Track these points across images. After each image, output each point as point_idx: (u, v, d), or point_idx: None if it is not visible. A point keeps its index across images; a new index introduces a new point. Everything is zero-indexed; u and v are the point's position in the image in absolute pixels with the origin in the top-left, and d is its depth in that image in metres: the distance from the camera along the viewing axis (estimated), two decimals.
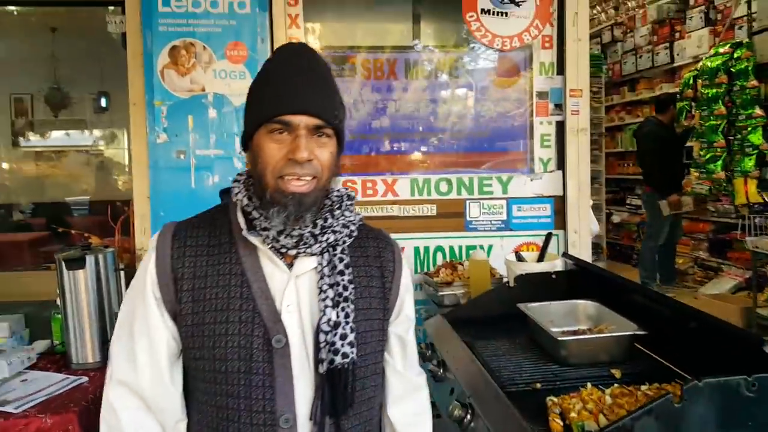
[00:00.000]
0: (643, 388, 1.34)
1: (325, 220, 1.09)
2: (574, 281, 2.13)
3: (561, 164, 2.79)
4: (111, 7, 2.67)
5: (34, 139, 5.55)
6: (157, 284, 1.06)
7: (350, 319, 1.07)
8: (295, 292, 1.08)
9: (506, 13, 2.73)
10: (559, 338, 1.59)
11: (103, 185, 5.50)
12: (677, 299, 1.76)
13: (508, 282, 2.17)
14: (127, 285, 2.30)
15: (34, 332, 2.48)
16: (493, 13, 2.72)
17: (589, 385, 1.37)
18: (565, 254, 2.37)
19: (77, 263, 2.17)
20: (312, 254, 1.09)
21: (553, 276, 2.14)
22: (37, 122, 5.48)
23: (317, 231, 1.07)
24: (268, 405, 1.03)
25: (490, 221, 2.79)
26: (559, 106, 2.79)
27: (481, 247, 2.75)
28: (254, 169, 1.06)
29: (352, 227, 1.15)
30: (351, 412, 1.08)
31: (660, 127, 5.82)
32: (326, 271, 1.09)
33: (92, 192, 5.35)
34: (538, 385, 1.46)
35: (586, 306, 1.88)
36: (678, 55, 6.49)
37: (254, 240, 1.07)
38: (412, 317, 1.25)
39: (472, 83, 2.89)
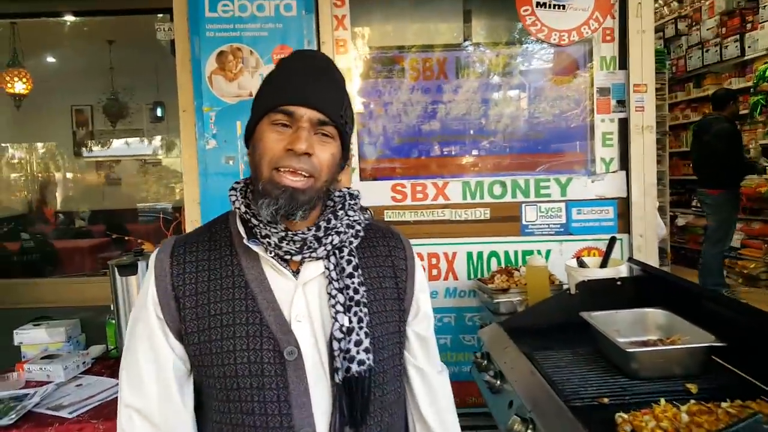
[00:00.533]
0: (724, 405, 1.22)
1: (328, 221, 1.05)
2: (641, 288, 2.00)
3: (624, 164, 2.65)
4: (160, 15, 2.69)
5: (94, 148, 5.77)
6: (159, 305, 1.02)
7: (364, 324, 1.02)
8: (303, 300, 1.03)
9: (563, 6, 2.60)
10: (628, 350, 1.47)
11: (161, 193, 5.64)
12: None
13: (569, 289, 2.05)
14: None
15: (90, 337, 2.54)
16: (550, 6, 2.61)
17: (662, 400, 1.27)
18: (631, 259, 2.23)
19: (129, 269, 2.20)
20: (317, 258, 1.04)
21: (618, 282, 2.02)
22: (97, 132, 5.70)
23: (321, 233, 1.03)
24: (285, 420, 0.98)
25: (548, 225, 2.66)
26: (622, 103, 2.64)
27: (539, 252, 2.63)
28: (252, 161, 1.03)
29: (358, 227, 1.10)
30: (371, 420, 1.03)
31: (730, 124, 5.50)
32: (334, 275, 1.04)
33: (150, 199, 5.50)
34: (606, 400, 1.35)
35: (655, 315, 1.75)
36: (749, 47, 6.16)
37: (256, 248, 1.02)
38: (431, 314, 1.20)
39: (527, 81, 2.78)
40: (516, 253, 2.66)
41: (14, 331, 2.40)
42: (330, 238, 1.04)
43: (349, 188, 1.15)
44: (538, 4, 2.61)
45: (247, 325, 0.99)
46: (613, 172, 2.66)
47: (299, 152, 0.96)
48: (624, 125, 2.65)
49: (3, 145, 5.61)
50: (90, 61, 5.15)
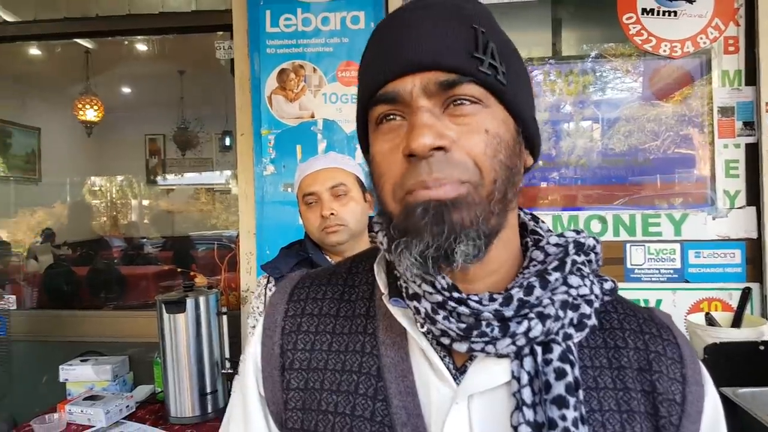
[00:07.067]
0: None
1: (529, 290, 0.57)
2: None
3: (755, 198, 2.20)
4: (220, 32, 2.53)
5: (165, 176, 5.92)
6: (261, 373, 0.66)
7: None
8: (466, 425, 0.58)
9: (675, 12, 2.23)
10: None
11: (228, 221, 5.61)
12: None
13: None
14: (230, 331, 2.08)
15: (138, 375, 2.41)
16: (658, 13, 2.24)
17: None
18: None
19: (177, 306, 2.01)
20: (499, 355, 0.57)
21: (762, 348, 1.63)
22: (168, 161, 5.83)
23: (510, 310, 0.56)
24: None
25: (659, 270, 2.24)
26: (750, 125, 2.21)
27: (646, 301, 2.21)
28: (375, 193, 0.62)
29: (586, 309, 0.59)
30: None
31: None
32: (527, 394, 0.55)
33: (218, 228, 5.47)
34: None
35: None
36: None
37: (400, 318, 0.61)
38: None
39: (630, 98, 2.39)
40: None
41: (60, 367, 2.30)
42: (526, 323, 0.56)
43: (579, 231, 0.66)
44: (644, 10, 2.25)
45: None
46: (740, 207, 2.22)
47: (421, 152, 0.53)
48: (753, 152, 2.21)
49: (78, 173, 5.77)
50: (162, 92, 5.30)
